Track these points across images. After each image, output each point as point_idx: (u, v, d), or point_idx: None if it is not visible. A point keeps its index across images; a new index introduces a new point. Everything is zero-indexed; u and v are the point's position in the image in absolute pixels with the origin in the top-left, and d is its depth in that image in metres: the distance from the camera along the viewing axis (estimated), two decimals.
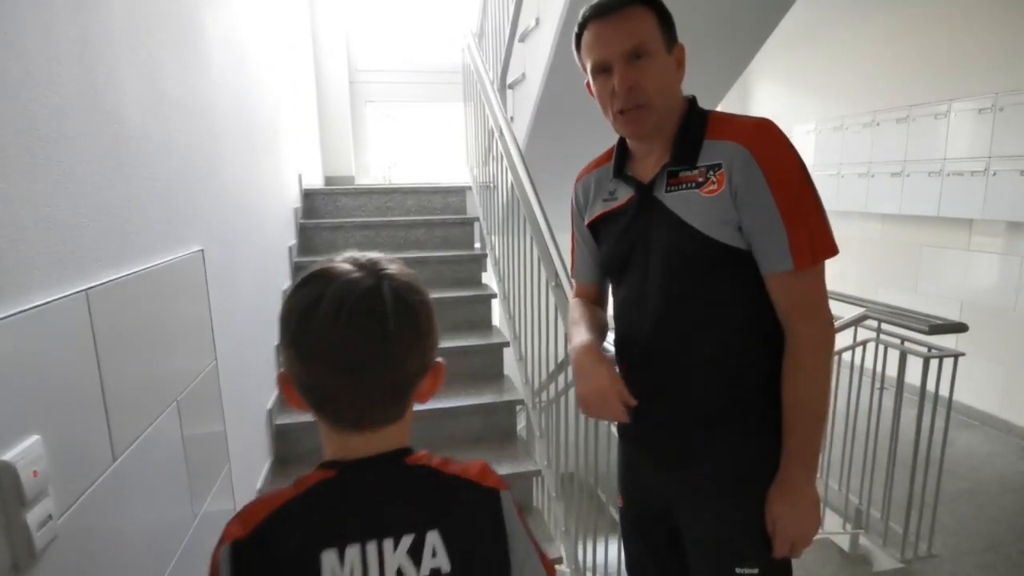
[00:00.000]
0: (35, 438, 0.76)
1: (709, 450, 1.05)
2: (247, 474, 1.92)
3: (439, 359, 0.65)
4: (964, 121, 3.79)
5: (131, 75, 1.17)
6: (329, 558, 0.56)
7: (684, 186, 0.99)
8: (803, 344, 0.97)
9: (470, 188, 3.74)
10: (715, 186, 0.96)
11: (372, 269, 0.59)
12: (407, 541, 0.59)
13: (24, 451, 0.73)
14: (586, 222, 1.17)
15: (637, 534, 1.22)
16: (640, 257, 1.05)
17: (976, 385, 3.78)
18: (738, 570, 1.02)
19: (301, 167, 3.44)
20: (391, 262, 0.62)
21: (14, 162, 0.78)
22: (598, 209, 1.14)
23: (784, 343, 1.00)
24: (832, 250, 0.96)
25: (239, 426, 1.81)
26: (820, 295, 0.98)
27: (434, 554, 0.59)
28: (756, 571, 1.01)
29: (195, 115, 1.55)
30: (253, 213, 2.20)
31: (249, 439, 1.97)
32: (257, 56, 2.40)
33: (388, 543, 0.58)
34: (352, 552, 0.57)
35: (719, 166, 0.96)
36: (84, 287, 0.92)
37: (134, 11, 1.20)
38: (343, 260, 0.60)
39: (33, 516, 0.74)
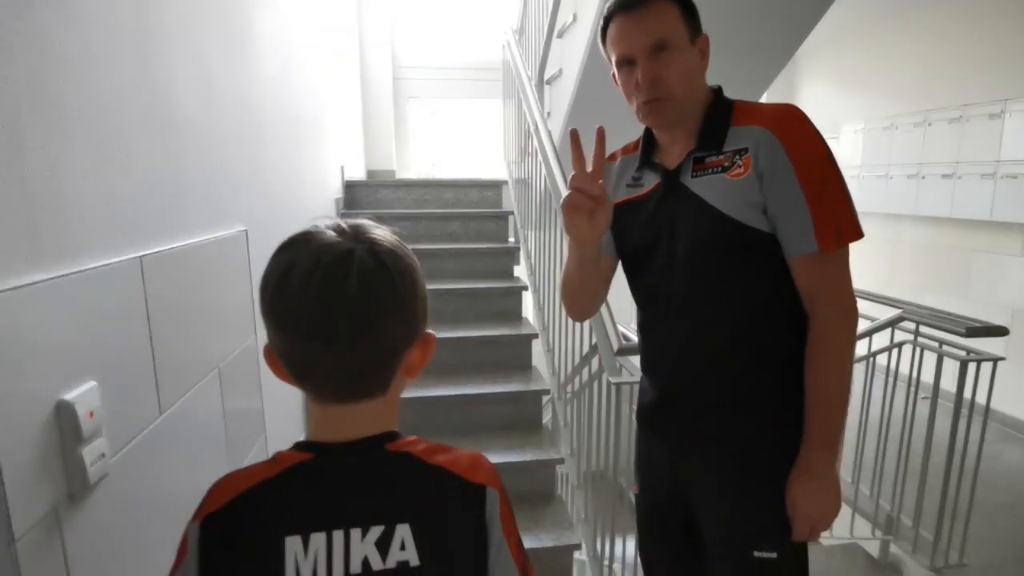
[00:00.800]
0: (92, 383, 0.85)
1: (728, 434, 1.06)
2: (280, 448, 2.02)
3: (428, 330, 0.62)
4: (1020, 121, 3.63)
5: (184, 66, 1.26)
6: (293, 543, 0.55)
7: (710, 171, 1.01)
8: (826, 327, 0.99)
9: (506, 183, 3.80)
10: (741, 169, 0.98)
11: (353, 234, 0.57)
12: (376, 532, 0.57)
13: (82, 394, 0.82)
14: None
15: (652, 521, 1.23)
16: (665, 242, 1.07)
17: None
18: (756, 554, 1.02)
19: (344, 159, 3.56)
20: (376, 228, 0.59)
21: (79, 140, 0.87)
22: (621, 195, 1.16)
23: (805, 329, 1.01)
24: (857, 233, 0.97)
25: (275, 403, 1.90)
26: (843, 279, 0.99)
27: (403, 547, 0.57)
28: (774, 555, 1.02)
29: (241, 106, 1.65)
30: (295, 201, 2.31)
31: (283, 416, 2.07)
32: (303, 52, 2.51)
33: (356, 533, 0.56)
34: (317, 539, 0.56)
35: (745, 150, 0.98)
36: (138, 254, 1.01)
37: (188, 7, 1.30)
38: (327, 226, 0.58)
39: (88, 452, 0.82)
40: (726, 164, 1.00)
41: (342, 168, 3.48)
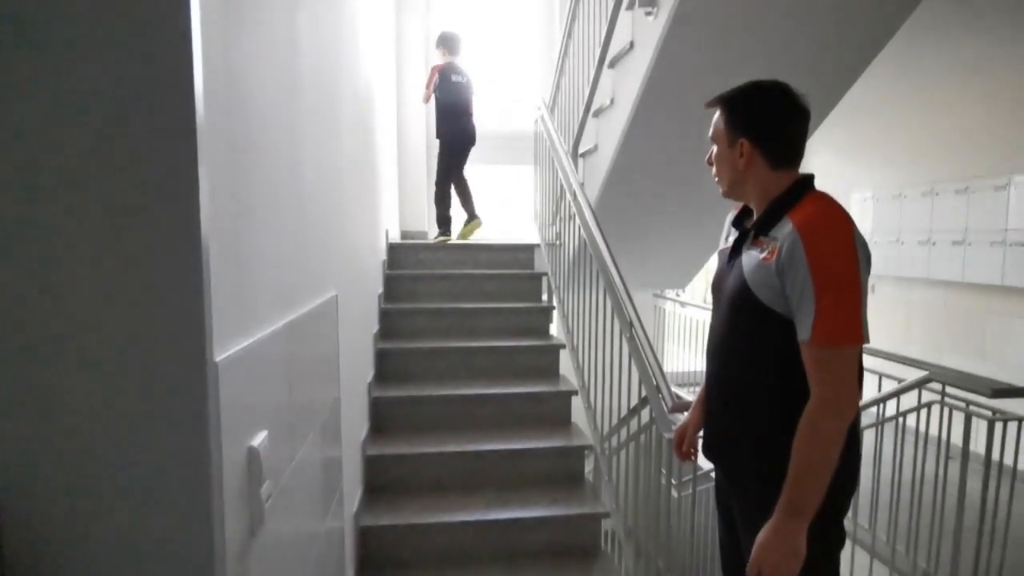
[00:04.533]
0: (264, 432, 1.00)
1: (735, 471, 1.31)
2: (346, 498, 2.12)
3: None
4: None
5: (309, 150, 1.46)
6: None
7: (756, 248, 1.23)
8: (811, 408, 1.12)
9: (538, 246, 4.00)
10: (769, 256, 1.18)
11: None
12: None
13: (262, 440, 0.97)
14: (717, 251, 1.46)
15: (723, 526, 1.44)
16: (721, 291, 1.33)
17: None
18: None
19: (387, 222, 3.79)
20: None
21: (257, 215, 1.05)
22: (721, 244, 1.44)
23: (804, 398, 1.14)
24: (853, 339, 1.10)
25: (344, 453, 2.02)
26: (835, 371, 1.12)
27: None
28: None
29: (334, 177, 1.85)
30: (360, 264, 2.50)
31: (348, 466, 2.18)
32: (365, 119, 2.76)
33: None
34: None
35: (776, 240, 1.18)
36: (286, 320, 1.17)
37: (314, 100, 1.52)
38: None
39: (264, 491, 0.96)
40: (763, 247, 1.20)
41: (387, 231, 3.69)
